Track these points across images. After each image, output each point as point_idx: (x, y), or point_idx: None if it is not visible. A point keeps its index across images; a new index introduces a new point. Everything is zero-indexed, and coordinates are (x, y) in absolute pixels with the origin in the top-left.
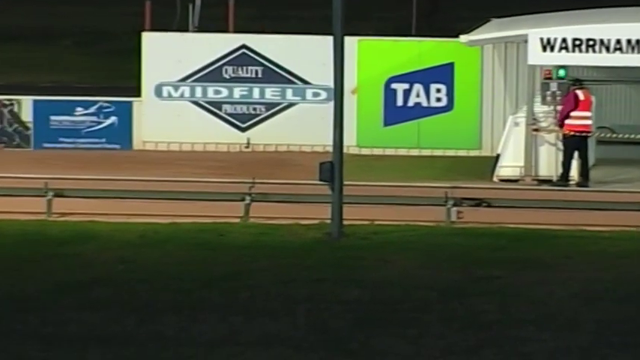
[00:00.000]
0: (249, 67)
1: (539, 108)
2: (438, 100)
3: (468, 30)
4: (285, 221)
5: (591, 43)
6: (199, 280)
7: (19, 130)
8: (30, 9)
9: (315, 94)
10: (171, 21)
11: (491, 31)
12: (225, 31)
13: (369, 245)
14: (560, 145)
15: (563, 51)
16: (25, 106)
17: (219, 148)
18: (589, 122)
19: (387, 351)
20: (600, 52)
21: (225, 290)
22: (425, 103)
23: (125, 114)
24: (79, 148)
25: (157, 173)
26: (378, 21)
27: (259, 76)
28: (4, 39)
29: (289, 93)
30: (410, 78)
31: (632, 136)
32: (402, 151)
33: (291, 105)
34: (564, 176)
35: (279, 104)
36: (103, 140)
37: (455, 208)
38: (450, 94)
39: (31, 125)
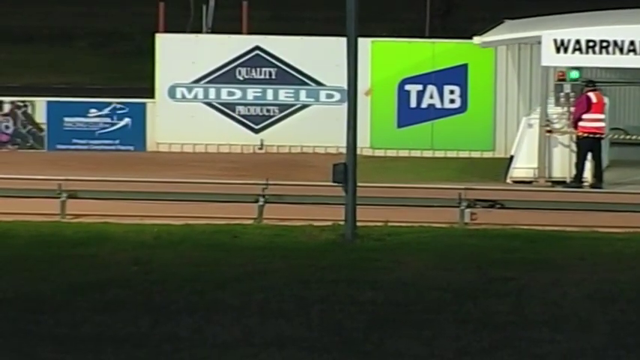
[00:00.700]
0: (263, 69)
1: (553, 109)
2: (452, 101)
3: (481, 31)
4: (299, 223)
5: (605, 44)
6: (213, 282)
7: (32, 131)
8: (44, 10)
9: (329, 96)
10: (185, 22)
11: (505, 33)
12: (239, 32)
13: (382, 246)
14: (574, 146)
15: (577, 52)
16: (39, 107)
17: (233, 149)
18: (602, 124)
19: (401, 352)
20: (614, 53)
21: (239, 291)
22: (438, 105)
23: (139, 115)
24: (92, 149)
25: (170, 175)
26: (392, 22)
27: (273, 77)
28: (18, 40)
29: (303, 94)
30: (423, 79)
31: None
32: (416, 153)
33: (304, 106)
34: (578, 178)
35: (292, 105)
36: (117, 142)
37: (468, 210)
38: (463, 96)
39: (44, 127)
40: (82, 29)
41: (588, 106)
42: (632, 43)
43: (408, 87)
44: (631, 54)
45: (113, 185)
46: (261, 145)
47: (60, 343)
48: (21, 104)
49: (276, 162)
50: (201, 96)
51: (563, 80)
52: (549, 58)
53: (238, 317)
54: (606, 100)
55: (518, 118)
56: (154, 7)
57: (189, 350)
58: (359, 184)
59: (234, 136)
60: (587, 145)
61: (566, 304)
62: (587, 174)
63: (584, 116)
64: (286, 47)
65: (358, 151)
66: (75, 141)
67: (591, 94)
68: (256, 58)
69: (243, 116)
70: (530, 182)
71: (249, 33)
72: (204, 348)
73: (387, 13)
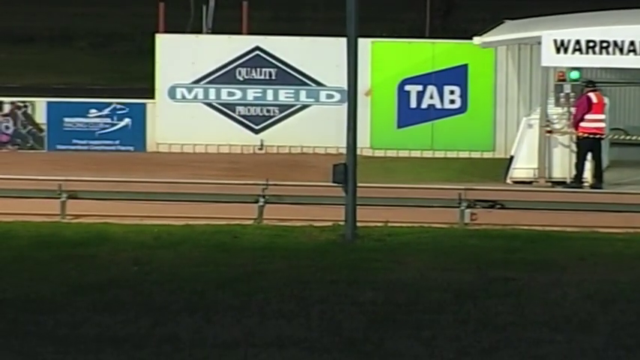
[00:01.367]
0: (263, 69)
1: (553, 110)
2: (452, 101)
3: (481, 32)
4: (299, 223)
5: (605, 44)
6: (213, 282)
7: (32, 131)
8: (44, 11)
9: (329, 96)
10: (185, 23)
11: (505, 33)
12: (239, 32)
13: (382, 247)
14: (574, 146)
15: (577, 53)
16: (39, 107)
17: (233, 149)
18: (602, 125)
19: (401, 352)
20: (614, 53)
21: (240, 292)
22: (439, 105)
23: (139, 116)
24: (92, 149)
25: (170, 175)
26: (392, 23)
27: (273, 77)
28: (19, 41)
29: (303, 95)
30: (423, 80)
31: None
32: (416, 153)
33: (304, 107)
34: (578, 178)
35: (292, 106)
36: (117, 142)
37: (468, 210)
38: (463, 96)
39: (44, 127)
40: (82, 30)
41: (589, 107)
42: (632, 43)
43: (408, 87)
44: (631, 54)
45: (113, 186)
46: (262, 145)
47: (60, 343)
48: (21, 105)
49: (277, 162)
50: (201, 96)
51: (564, 80)
52: (549, 58)
53: (238, 317)
54: (606, 100)
55: (518, 118)
56: (154, 8)
57: (190, 350)
58: (359, 184)
59: (234, 137)
60: (587, 145)
61: (566, 305)
62: (587, 174)
63: (585, 117)
64: (286, 48)
65: (358, 152)
66: (75, 141)
67: (592, 95)
68: (256, 59)
69: (244, 116)
70: (530, 182)
71: (250, 33)
72: (205, 348)
73: (387, 14)
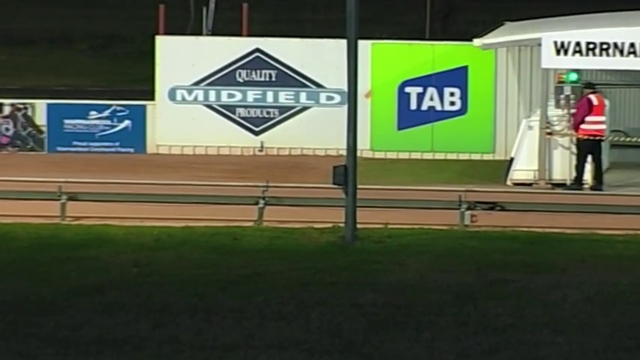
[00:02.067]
0: (263, 71)
1: (553, 111)
2: (452, 103)
3: (481, 33)
4: (299, 225)
5: (605, 46)
6: (213, 284)
7: (33, 133)
8: (44, 13)
9: (329, 98)
10: (186, 25)
11: (505, 35)
12: (239, 34)
13: (382, 249)
14: (574, 148)
15: (577, 54)
16: (39, 109)
17: (233, 151)
18: (603, 127)
19: (401, 354)
20: (614, 55)
21: (239, 294)
22: (439, 107)
23: (139, 117)
24: (92, 151)
25: (170, 177)
26: (392, 24)
27: (273, 79)
28: (19, 43)
29: (303, 96)
30: (424, 82)
31: None
32: (416, 155)
33: (304, 108)
34: (578, 180)
35: (292, 108)
36: (117, 144)
37: (468, 212)
38: (463, 98)
39: (45, 129)
40: (82, 31)
41: (590, 109)
42: (632, 45)
43: (408, 89)
44: (631, 56)
45: (113, 187)
46: (262, 147)
47: (60, 345)
48: (21, 106)
49: (277, 164)
50: (201, 98)
51: (564, 82)
52: (549, 60)
53: (238, 319)
54: (607, 102)
55: (518, 120)
56: (154, 10)
57: (190, 352)
58: (359, 186)
59: (234, 139)
60: (588, 147)
61: (566, 307)
62: (588, 176)
63: (586, 119)
64: (286, 49)
65: (358, 153)
66: (75, 143)
67: (592, 97)
68: (256, 61)
69: (244, 118)
70: (530, 184)
71: (250, 35)
72: (204, 350)
73: (387, 16)
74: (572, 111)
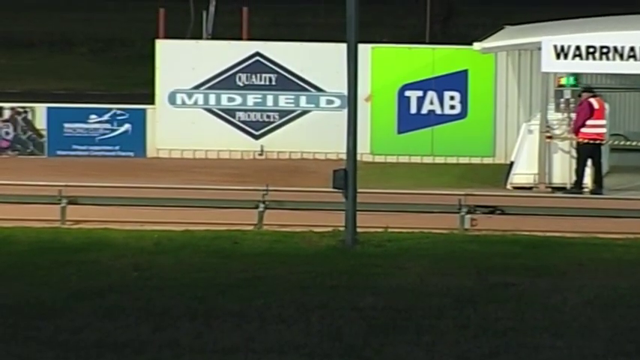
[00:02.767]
0: (263, 75)
1: (553, 115)
2: (452, 107)
3: (481, 37)
4: (299, 229)
5: (605, 50)
6: (214, 288)
7: (32, 137)
8: (44, 17)
9: (329, 102)
10: (186, 28)
11: (505, 39)
12: (239, 38)
13: (382, 252)
14: (574, 152)
15: (577, 58)
16: (39, 113)
17: (233, 155)
18: (603, 130)
19: (401, 358)
20: (614, 59)
21: (240, 297)
22: (439, 111)
23: (139, 121)
24: (92, 155)
25: (170, 181)
26: (392, 28)
27: (273, 83)
28: (19, 46)
29: (303, 100)
30: (424, 85)
31: None
32: (416, 159)
33: (304, 112)
34: (578, 183)
35: (292, 111)
36: (117, 148)
37: (468, 216)
38: (463, 102)
39: (44, 133)
40: (82, 35)
41: (590, 112)
42: (632, 49)
43: (408, 93)
44: (631, 60)
45: (113, 191)
46: (262, 151)
47: (60, 349)
48: (21, 110)
49: (277, 168)
50: (201, 102)
51: (563, 86)
52: (549, 64)
53: (238, 323)
54: (607, 106)
55: (518, 124)
56: (154, 13)
57: (190, 356)
58: (359, 190)
59: (234, 142)
60: (588, 151)
61: (566, 310)
62: (588, 180)
63: (586, 122)
64: (286, 53)
65: (358, 157)
66: (75, 147)
67: (592, 100)
68: (256, 64)
69: (244, 122)
70: (530, 188)
71: (250, 39)
72: (205, 354)
73: (387, 19)
74: (572, 115)
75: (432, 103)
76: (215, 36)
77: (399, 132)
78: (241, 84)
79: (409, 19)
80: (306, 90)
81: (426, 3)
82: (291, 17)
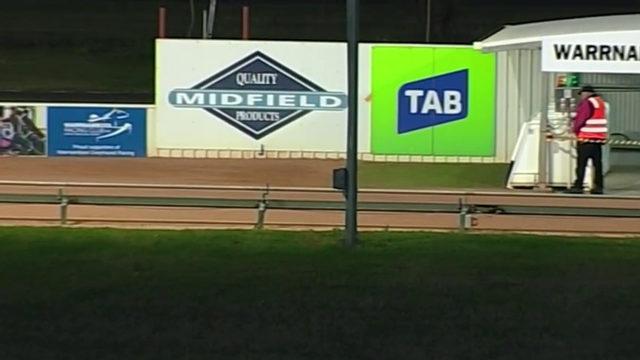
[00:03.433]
0: (264, 74)
1: (554, 115)
2: (452, 107)
3: (482, 37)
4: (300, 228)
5: (605, 50)
6: (214, 287)
7: (33, 137)
8: (45, 16)
9: (330, 101)
10: (186, 28)
11: (506, 38)
12: (239, 38)
13: (383, 252)
14: (574, 152)
15: (577, 58)
16: (40, 113)
17: (233, 155)
18: (604, 130)
19: (401, 358)
20: (614, 59)
21: (240, 297)
22: (439, 110)
23: (139, 121)
24: (93, 155)
25: (171, 180)
26: (393, 28)
27: (273, 83)
28: (19, 46)
29: (303, 100)
30: (424, 85)
31: None
32: (416, 158)
33: (305, 112)
34: (578, 183)
35: (293, 111)
36: (117, 147)
37: (469, 215)
38: (464, 101)
39: (45, 132)
40: (82, 35)
41: (591, 112)
42: (632, 48)
43: (408, 92)
44: (631, 59)
45: (114, 191)
46: (262, 150)
47: (60, 348)
48: (21, 110)
49: (277, 167)
50: (201, 101)
51: (564, 86)
52: (550, 63)
53: (239, 323)
54: (607, 105)
55: (518, 123)
56: (154, 13)
57: (190, 356)
58: (359, 189)
59: (234, 142)
60: (588, 150)
61: (566, 310)
62: (588, 179)
63: (587, 122)
64: (287, 53)
65: (359, 157)
66: (75, 146)
67: (593, 100)
68: (257, 64)
69: (244, 122)
70: (530, 188)
71: (250, 38)
72: (205, 354)
73: (387, 19)
74: (573, 114)
75: (432, 102)
76: (215, 35)
77: (400, 131)
78: (242, 83)
79: (409, 18)
80: (307, 90)
81: (426, 3)
82: (291, 17)
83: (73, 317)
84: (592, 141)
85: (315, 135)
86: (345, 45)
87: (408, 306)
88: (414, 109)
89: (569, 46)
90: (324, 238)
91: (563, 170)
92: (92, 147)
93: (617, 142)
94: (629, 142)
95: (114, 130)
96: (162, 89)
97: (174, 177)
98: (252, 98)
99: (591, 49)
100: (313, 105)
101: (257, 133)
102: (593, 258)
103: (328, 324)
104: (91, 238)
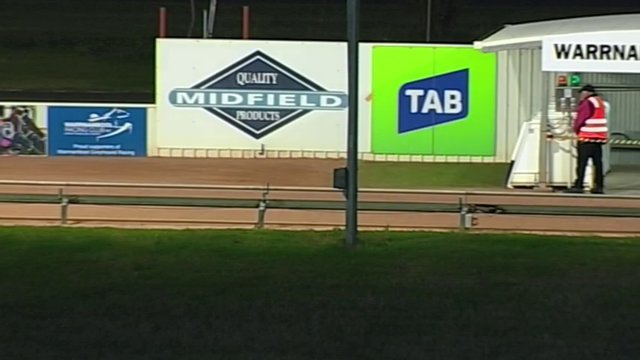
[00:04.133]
0: (264, 74)
1: (554, 114)
2: (453, 106)
3: (482, 36)
4: (300, 228)
5: (606, 49)
6: (214, 287)
7: (33, 136)
8: (45, 15)
9: (330, 101)
10: (186, 27)
11: (506, 38)
12: (239, 37)
13: (383, 252)
14: (575, 151)
15: (578, 57)
16: (40, 112)
17: (234, 154)
18: (604, 129)
19: (402, 357)
20: (615, 58)
21: (240, 297)
22: (439, 110)
23: (139, 120)
24: (93, 154)
25: (171, 180)
26: (393, 27)
27: (274, 82)
28: (20, 45)
29: (304, 99)
30: (424, 84)
31: None
32: (417, 158)
33: (305, 111)
34: (579, 183)
35: (293, 111)
36: (118, 147)
37: (469, 215)
38: (464, 101)
39: (45, 132)
40: (83, 34)
41: (591, 111)
42: (632, 48)
43: (408, 92)
44: (632, 59)
45: (114, 190)
46: (262, 150)
47: (61, 348)
48: (22, 109)
49: (277, 167)
50: (202, 101)
51: (564, 85)
52: (550, 63)
53: (239, 322)
54: (607, 104)
55: (519, 123)
56: (154, 13)
57: (190, 355)
58: (360, 189)
59: (235, 141)
60: (588, 150)
61: (567, 310)
62: (588, 179)
63: (587, 121)
64: (287, 52)
65: (359, 156)
66: (76, 146)
67: (593, 99)
68: (257, 63)
69: (244, 121)
70: (531, 187)
71: (250, 38)
72: (205, 353)
73: (388, 18)
74: (573, 114)
75: (432, 102)
76: (216, 35)
77: (400, 131)
78: (242, 83)
79: (410, 18)
80: (307, 89)
81: (426, 2)
82: (291, 16)
83: (74, 317)
84: (592, 140)
85: (315, 134)
86: (345, 44)
87: (409, 305)
88: (414, 109)
89: (570, 46)
90: (324, 237)
91: (563, 170)
92: (92, 146)
93: (617, 141)
94: (629, 142)
95: (114, 129)
96: (162, 89)
97: (174, 176)
98: (252, 98)
99: (591, 49)
100: (313, 104)
101: (257, 132)
102: (593, 257)
103: (329, 323)
104: (91, 237)
